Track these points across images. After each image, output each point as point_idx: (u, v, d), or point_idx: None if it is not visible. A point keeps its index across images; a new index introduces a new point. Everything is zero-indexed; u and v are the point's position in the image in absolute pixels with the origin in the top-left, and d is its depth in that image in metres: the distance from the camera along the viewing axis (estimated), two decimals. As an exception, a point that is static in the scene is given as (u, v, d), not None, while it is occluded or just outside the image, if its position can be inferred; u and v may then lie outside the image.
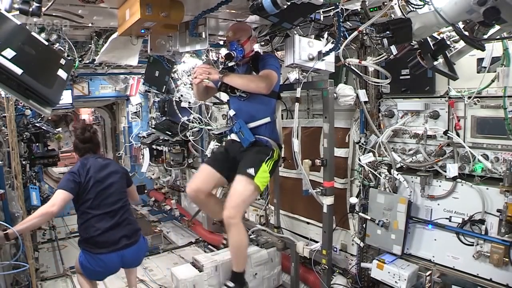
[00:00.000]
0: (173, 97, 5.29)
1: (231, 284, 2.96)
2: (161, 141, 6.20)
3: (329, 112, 2.93)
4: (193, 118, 5.19)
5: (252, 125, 2.97)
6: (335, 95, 2.96)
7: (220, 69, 3.03)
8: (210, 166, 3.08)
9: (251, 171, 2.81)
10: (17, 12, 1.95)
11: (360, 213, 3.09)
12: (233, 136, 3.12)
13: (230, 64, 2.84)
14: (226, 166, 3.06)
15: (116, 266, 3.14)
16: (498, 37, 2.02)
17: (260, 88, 2.73)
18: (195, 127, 5.37)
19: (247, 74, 2.95)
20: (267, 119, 2.98)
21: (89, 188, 2.99)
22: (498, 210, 2.36)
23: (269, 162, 2.90)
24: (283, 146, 3.26)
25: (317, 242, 3.32)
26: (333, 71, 2.99)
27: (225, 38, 3.11)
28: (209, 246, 5.33)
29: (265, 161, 2.87)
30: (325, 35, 2.85)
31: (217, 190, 5.08)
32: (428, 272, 2.72)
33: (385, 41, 1.99)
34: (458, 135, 2.58)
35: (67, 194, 2.90)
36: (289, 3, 1.72)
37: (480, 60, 2.44)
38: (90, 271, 3.10)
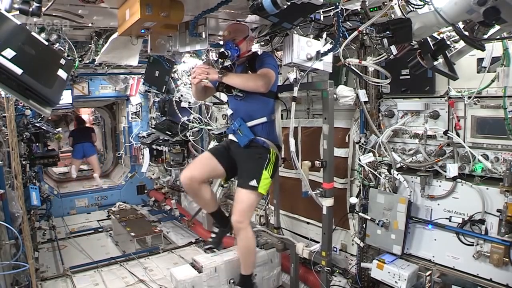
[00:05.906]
0: (173, 97, 5.29)
1: None
2: (161, 141, 6.20)
3: (329, 113, 2.91)
4: (193, 118, 5.19)
5: (248, 124, 2.97)
6: (335, 96, 2.96)
7: (219, 69, 3.03)
8: (212, 154, 3.13)
9: (253, 183, 2.86)
10: (17, 12, 1.95)
11: (360, 213, 3.10)
12: (231, 137, 3.12)
13: (226, 63, 2.82)
14: (226, 159, 3.10)
15: (81, 150, 8.43)
16: (498, 37, 2.02)
17: (259, 86, 2.73)
18: (195, 127, 5.36)
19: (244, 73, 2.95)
20: (264, 119, 2.98)
21: (78, 133, 8.80)
22: (498, 210, 2.36)
23: (269, 167, 2.95)
24: (282, 146, 3.26)
25: (317, 242, 3.31)
26: (331, 71, 2.99)
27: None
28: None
29: (265, 168, 2.92)
30: (324, 35, 2.85)
31: (217, 190, 5.09)
32: (428, 272, 2.73)
33: (385, 41, 1.99)
34: (458, 135, 2.59)
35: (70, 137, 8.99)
36: (289, 3, 1.72)
37: (480, 60, 2.44)
38: (75, 152, 8.54)
